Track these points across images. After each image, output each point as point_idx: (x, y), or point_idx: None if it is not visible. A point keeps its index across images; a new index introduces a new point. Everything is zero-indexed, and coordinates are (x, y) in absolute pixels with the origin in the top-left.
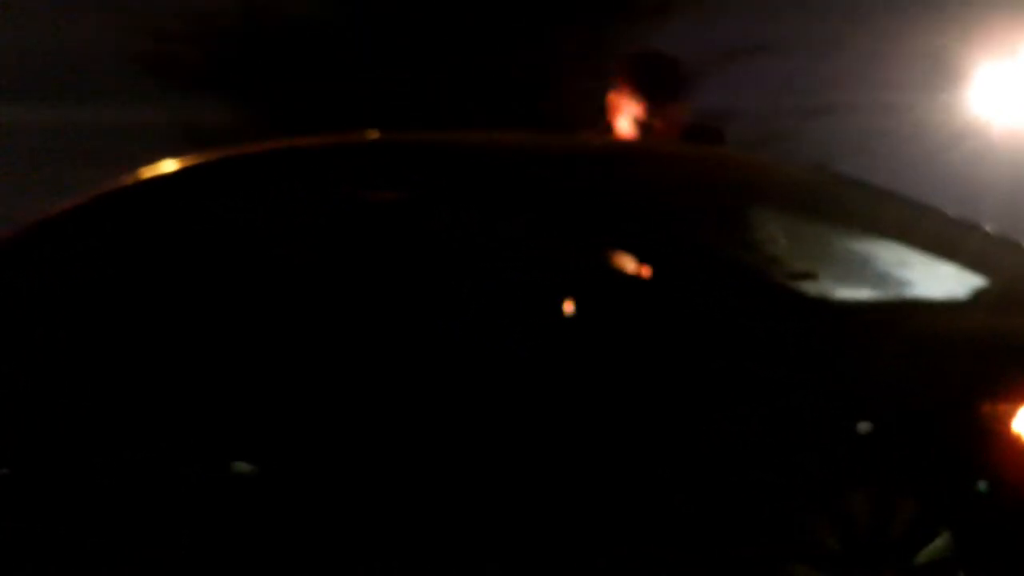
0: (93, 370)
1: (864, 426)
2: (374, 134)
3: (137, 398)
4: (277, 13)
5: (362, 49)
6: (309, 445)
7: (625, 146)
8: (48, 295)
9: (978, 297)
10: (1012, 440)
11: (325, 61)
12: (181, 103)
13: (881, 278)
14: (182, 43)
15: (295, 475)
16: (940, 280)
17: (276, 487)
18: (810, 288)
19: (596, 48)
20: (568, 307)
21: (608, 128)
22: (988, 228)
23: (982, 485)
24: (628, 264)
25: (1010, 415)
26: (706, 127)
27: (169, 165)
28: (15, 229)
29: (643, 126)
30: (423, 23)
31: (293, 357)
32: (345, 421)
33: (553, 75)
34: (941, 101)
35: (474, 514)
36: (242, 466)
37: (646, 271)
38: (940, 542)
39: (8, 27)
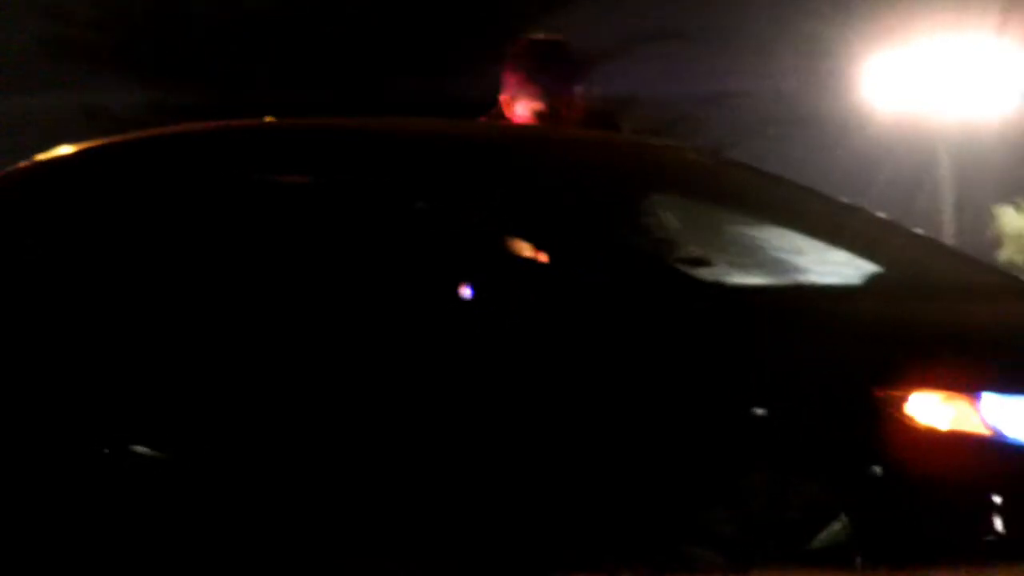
0: None
1: (759, 410)
2: (270, 119)
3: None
4: None
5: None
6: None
7: (522, 131)
8: None
9: (871, 283)
10: (905, 424)
11: (234, 42)
12: (86, 89)
13: (775, 264)
14: (90, 28)
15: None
16: (833, 266)
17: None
18: (704, 273)
19: (504, 36)
20: (463, 292)
21: (499, 113)
22: (880, 214)
23: (877, 469)
24: (523, 249)
25: (903, 400)
26: (600, 112)
27: (65, 149)
28: None
29: (542, 115)
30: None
31: (185, 339)
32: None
33: (451, 62)
34: (833, 89)
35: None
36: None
37: (542, 256)
38: (837, 525)
39: None
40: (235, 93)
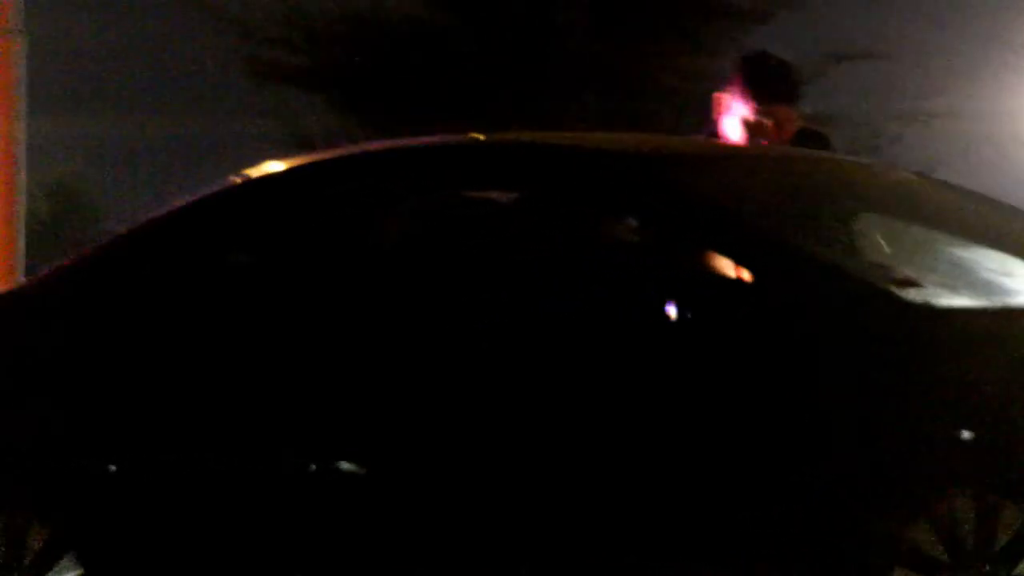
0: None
1: (967, 433)
2: (479, 135)
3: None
4: (381, 16)
5: (469, 51)
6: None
7: (733, 149)
8: (165, 290)
9: None
10: None
11: (432, 64)
12: (288, 111)
13: (985, 285)
14: (288, 48)
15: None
16: None
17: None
18: (914, 295)
19: (697, 51)
20: (669, 309)
21: (713, 127)
22: None
23: None
24: (728, 268)
25: None
26: (813, 132)
27: (275, 165)
28: (129, 227)
29: (753, 127)
30: (522, 21)
31: (402, 352)
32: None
33: (654, 77)
34: None
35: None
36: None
37: (746, 275)
38: None
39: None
40: (420, 117)
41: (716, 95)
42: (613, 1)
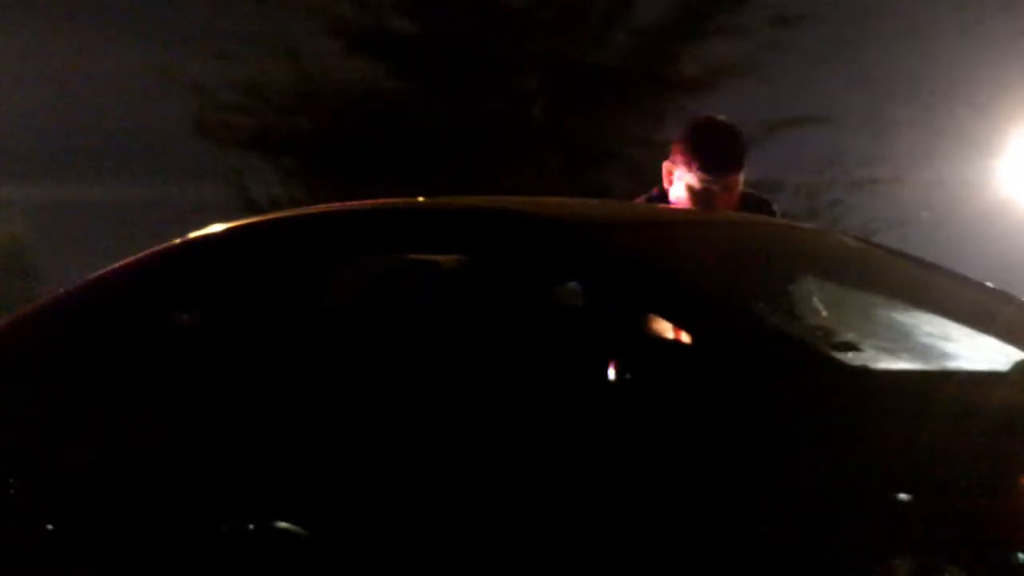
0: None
1: (905, 496)
2: (422, 199)
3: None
4: (330, 81)
5: (419, 115)
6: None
7: (674, 212)
8: (105, 348)
9: (1020, 369)
10: None
11: (383, 128)
12: (240, 177)
13: (924, 349)
14: (242, 113)
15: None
16: (982, 352)
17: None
18: (853, 358)
19: (648, 119)
20: (609, 371)
21: (661, 195)
22: None
23: (1021, 557)
24: (667, 330)
25: None
26: (756, 197)
27: (218, 227)
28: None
29: (700, 195)
30: (477, 91)
31: (340, 411)
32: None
33: (607, 144)
34: (985, 179)
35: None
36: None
37: (686, 337)
38: None
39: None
40: (375, 183)
41: (665, 164)
42: (566, 70)
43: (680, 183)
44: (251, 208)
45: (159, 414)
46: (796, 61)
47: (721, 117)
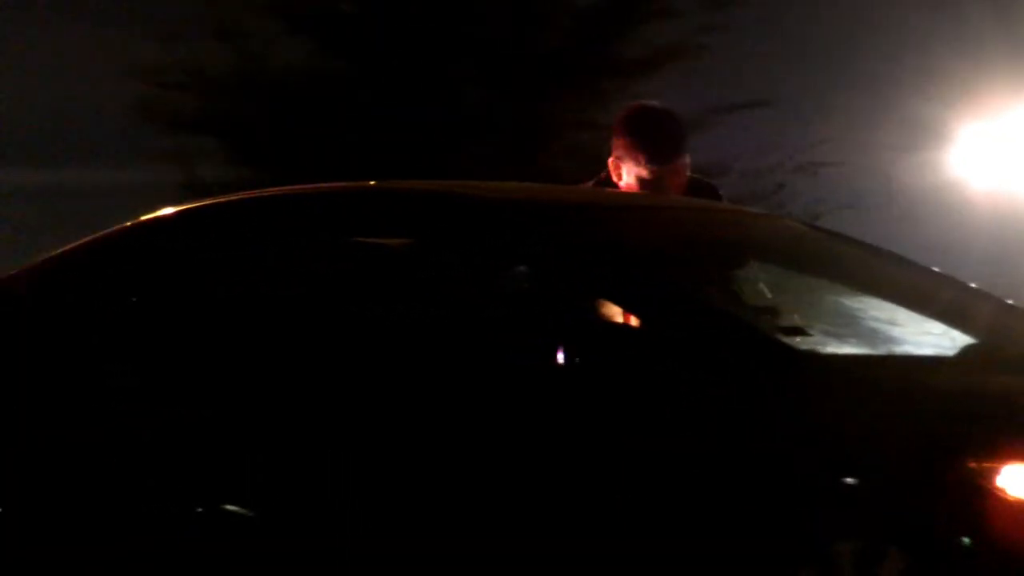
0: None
1: (850, 480)
2: (371, 182)
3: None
4: (273, 64)
5: (359, 98)
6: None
7: (620, 197)
8: (46, 329)
9: (965, 354)
10: (996, 496)
11: (324, 111)
12: (185, 159)
13: (870, 334)
14: (184, 94)
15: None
16: (927, 337)
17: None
18: (800, 343)
19: (587, 103)
20: (560, 356)
21: (608, 180)
22: (973, 286)
23: (966, 540)
24: (616, 314)
25: (994, 472)
26: (702, 182)
27: (166, 210)
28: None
29: (653, 184)
30: (418, 74)
31: (278, 400)
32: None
33: (543, 128)
34: (928, 161)
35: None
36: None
37: (635, 321)
38: None
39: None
40: (318, 166)
41: (610, 160)
42: (508, 53)
43: (629, 176)
44: (199, 191)
45: (109, 397)
46: (742, 45)
47: (655, 103)
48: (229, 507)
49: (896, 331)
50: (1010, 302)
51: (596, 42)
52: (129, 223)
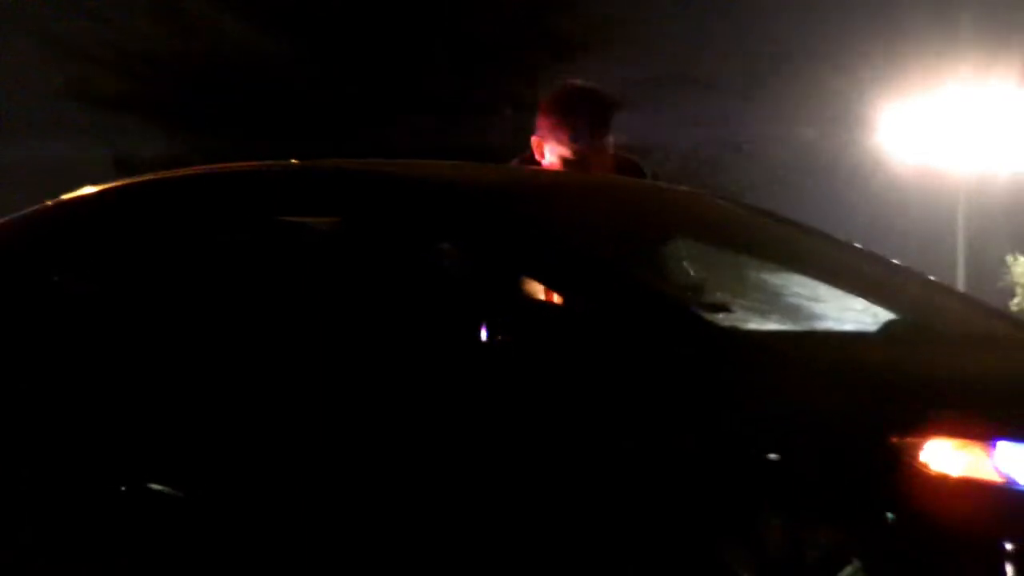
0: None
1: (773, 456)
2: (295, 161)
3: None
4: (211, 42)
5: (298, 75)
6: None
7: (543, 175)
8: None
9: (888, 330)
10: (919, 471)
11: (262, 89)
12: (113, 137)
13: (793, 310)
14: (115, 71)
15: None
16: (851, 313)
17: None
18: (723, 319)
19: (521, 79)
20: (483, 334)
21: (533, 159)
22: (896, 262)
23: (891, 515)
24: (539, 292)
25: (918, 447)
26: (626, 159)
27: (89, 189)
28: None
29: (577, 164)
30: (358, 52)
31: (202, 379)
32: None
33: (475, 106)
34: (852, 138)
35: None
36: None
37: (558, 298)
38: (849, 570)
39: None
40: (251, 142)
41: (533, 138)
42: (439, 31)
43: (552, 155)
44: (124, 169)
45: (33, 378)
46: (674, 24)
47: (579, 81)
48: (152, 487)
49: (819, 307)
50: (932, 278)
51: (530, 20)
52: (50, 203)
